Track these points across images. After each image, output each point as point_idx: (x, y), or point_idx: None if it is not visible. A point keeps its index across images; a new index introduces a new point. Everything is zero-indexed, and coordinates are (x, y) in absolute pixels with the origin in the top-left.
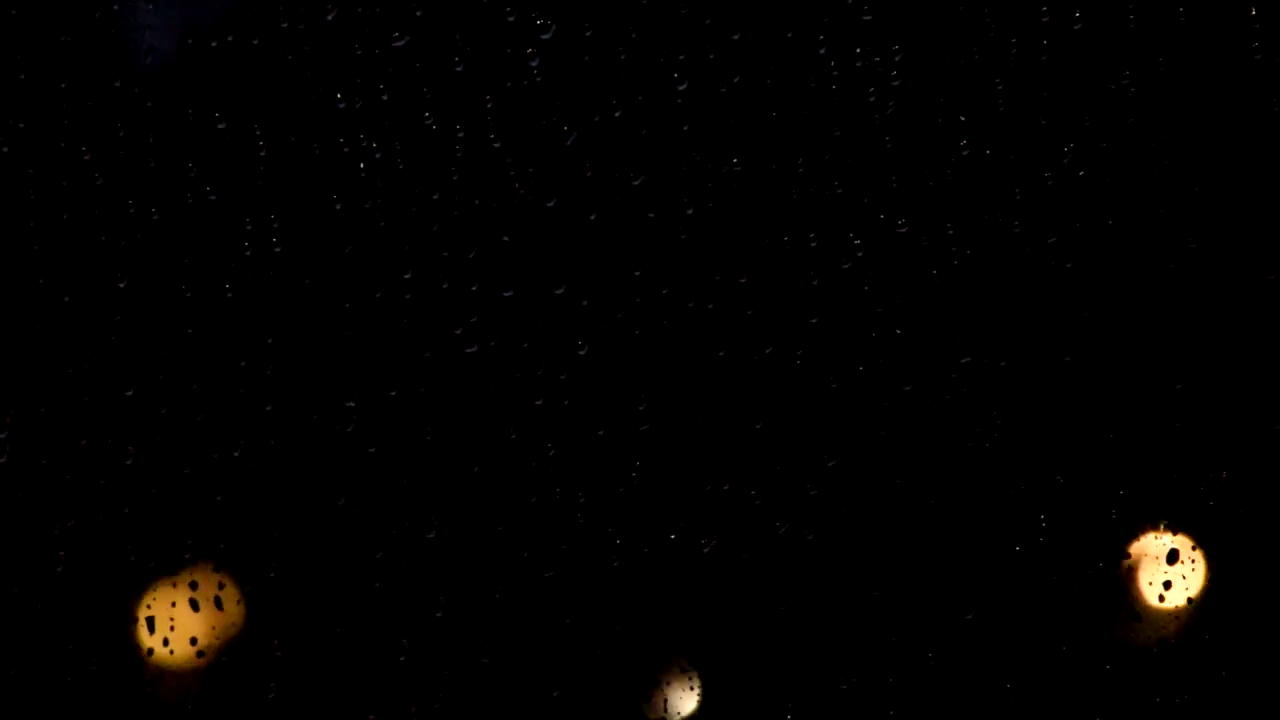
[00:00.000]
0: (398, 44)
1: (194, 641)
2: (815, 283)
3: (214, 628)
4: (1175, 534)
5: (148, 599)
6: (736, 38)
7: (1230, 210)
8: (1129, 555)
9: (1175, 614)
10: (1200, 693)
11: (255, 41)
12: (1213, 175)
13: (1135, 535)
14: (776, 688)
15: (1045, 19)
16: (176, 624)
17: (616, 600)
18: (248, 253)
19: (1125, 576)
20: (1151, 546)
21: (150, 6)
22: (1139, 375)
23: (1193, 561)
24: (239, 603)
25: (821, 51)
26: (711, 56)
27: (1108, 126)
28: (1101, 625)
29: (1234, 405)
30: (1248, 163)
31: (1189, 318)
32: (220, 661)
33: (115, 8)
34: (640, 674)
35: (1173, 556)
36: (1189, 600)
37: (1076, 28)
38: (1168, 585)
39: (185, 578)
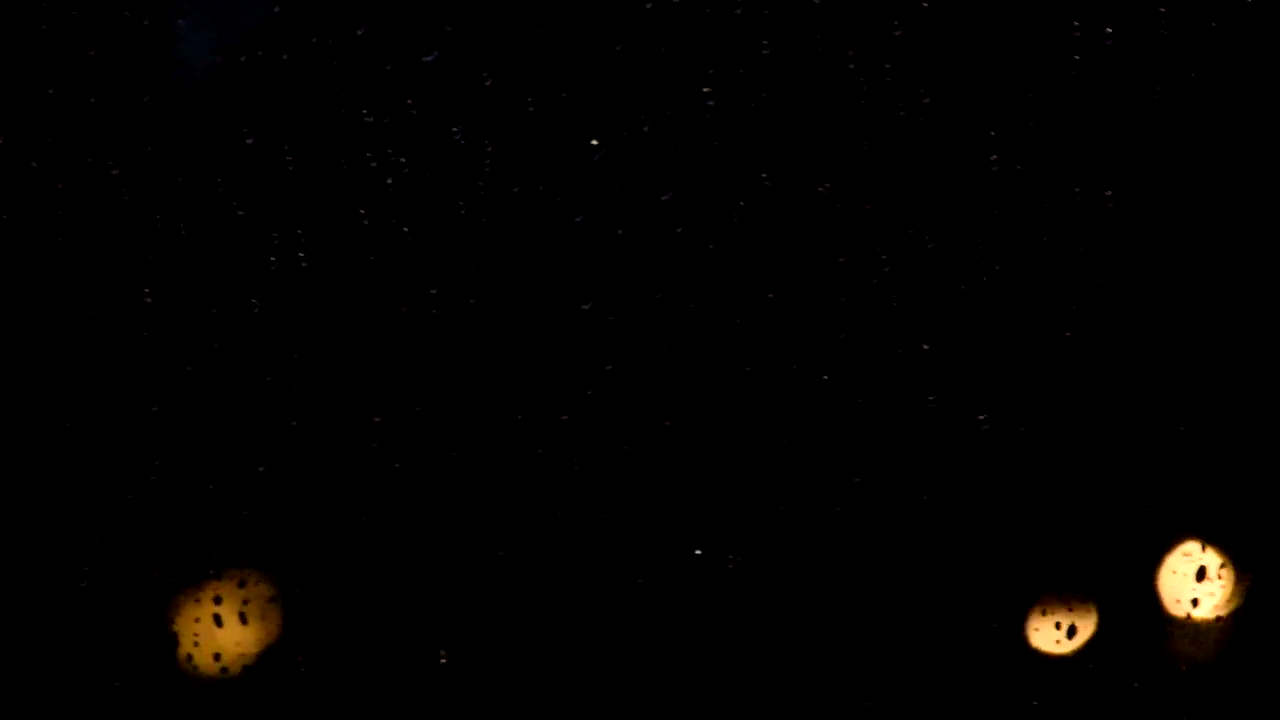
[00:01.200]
0: (427, 59)
1: (218, 657)
2: (843, 299)
3: (238, 642)
4: (1205, 549)
5: (170, 613)
6: (766, 52)
7: (1256, 220)
8: (1157, 569)
9: (1204, 629)
10: (1229, 711)
11: (285, 57)
12: (1264, 187)
13: (1164, 550)
14: (807, 696)
15: (1077, 33)
16: (201, 638)
17: (640, 614)
18: (273, 265)
19: (1153, 592)
20: (1179, 563)
21: (181, 21)
22: (1167, 387)
23: (1220, 578)
24: (263, 617)
25: (851, 67)
26: (741, 71)
27: (1143, 136)
28: (1129, 641)
29: (1262, 416)
30: None
31: (1219, 328)
32: (244, 676)
33: (146, 22)
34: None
35: (1200, 574)
36: (1218, 618)
37: (1108, 42)
38: (1195, 603)
39: (209, 591)
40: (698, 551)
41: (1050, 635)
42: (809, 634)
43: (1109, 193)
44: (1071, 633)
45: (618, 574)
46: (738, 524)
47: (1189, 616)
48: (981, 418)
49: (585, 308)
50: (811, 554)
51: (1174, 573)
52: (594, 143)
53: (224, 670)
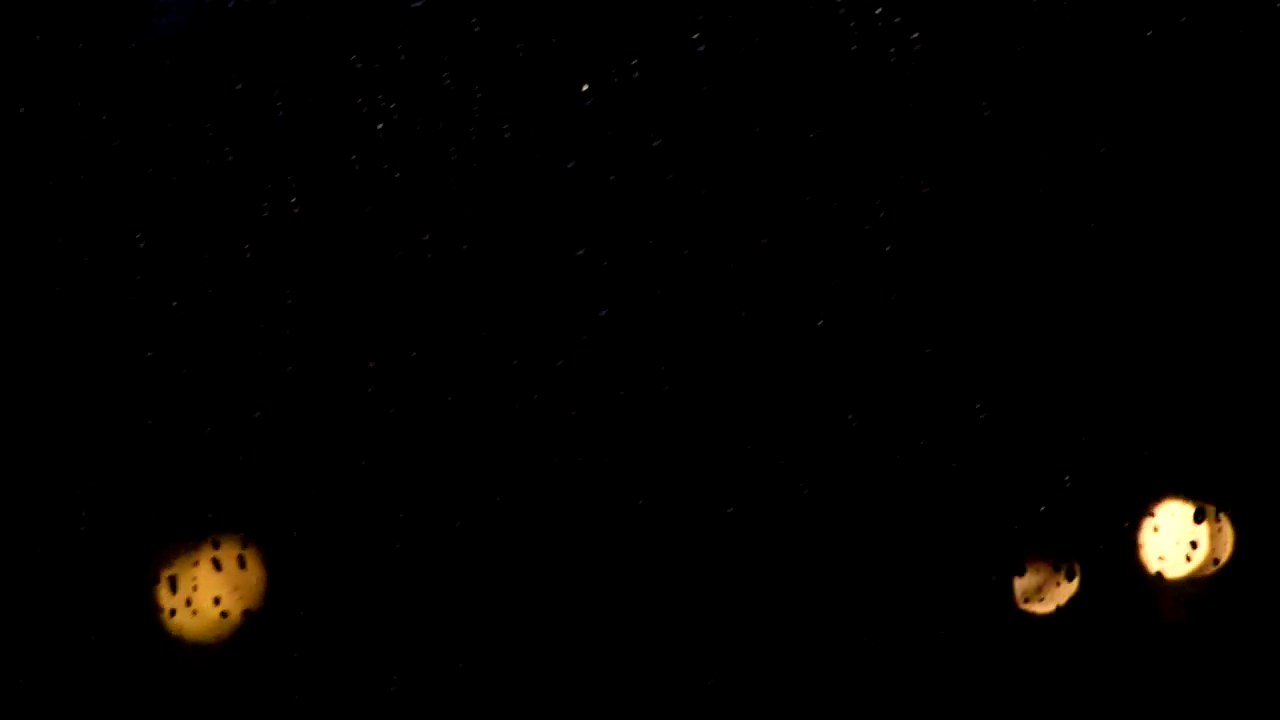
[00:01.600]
0: (415, 4)
1: (217, 601)
2: (836, 246)
3: (237, 588)
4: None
5: (170, 559)
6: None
7: (1246, 188)
8: (1152, 520)
9: (1201, 579)
10: (1224, 663)
11: (271, 2)
12: (1239, 169)
13: (1155, 502)
14: (781, 675)
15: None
16: (199, 584)
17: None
18: (266, 215)
19: (1146, 543)
20: (1174, 514)
21: None
22: (1158, 352)
23: (1218, 528)
24: (262, 563)
25: (841, 12)
26: (730, 17)
27: (1135, 121)
28: (1123, 593)
29: (1246, 384)
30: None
31: (1204, 293)
32: (243, 622)
33: None
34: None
35: (1200, 515)
36: (1215, 562)
37: (1108, 43)
38: (1194, 545)
39: (208, 538)
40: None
41: (1032, 592)
42: (800, 606)
43: (1113, 174)
44: (1044, 592)
45: (611, 551)
46: (725, 477)
47: (1188, 559)
48: (976, 404)
49: (579, 254)
50: (803, 510)
51: (1155, 531)
52: (584, 88)
53: (223, 615)
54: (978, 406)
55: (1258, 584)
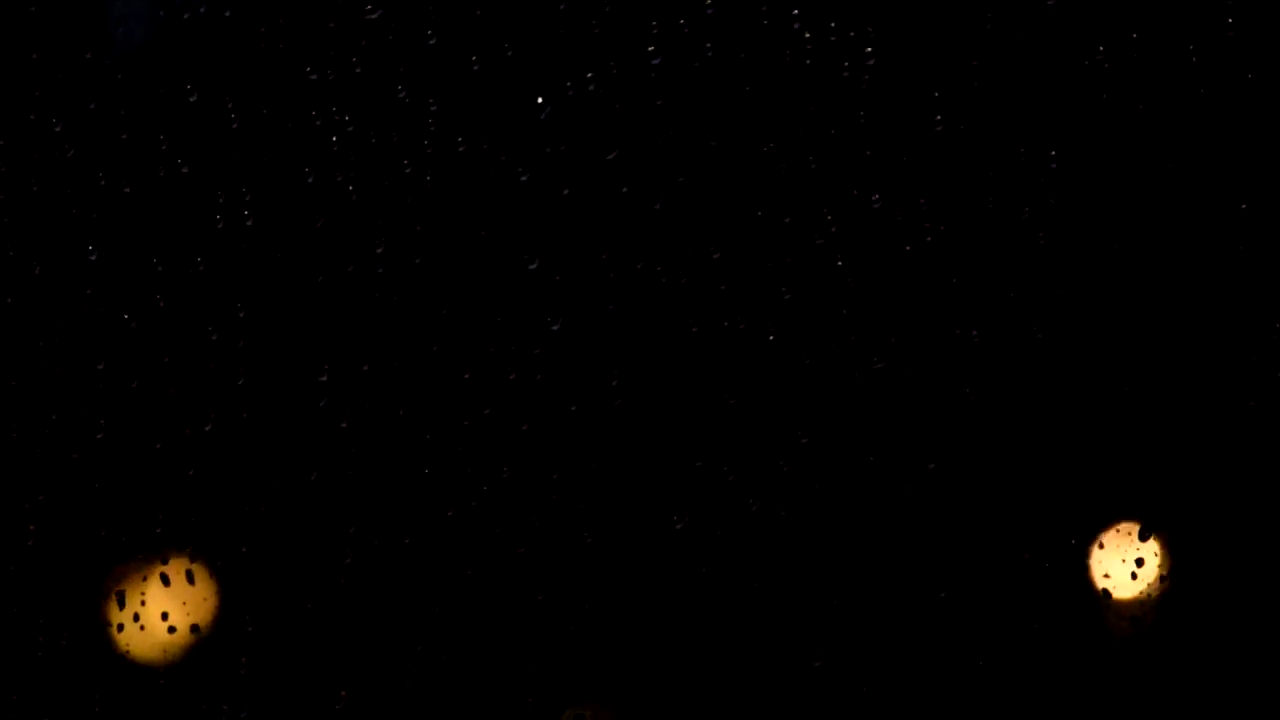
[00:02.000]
0: (371, 16)
1: (165, 616)
2: (789, 260)
3: (185, 603)
4: (1141, 531)
5: (118, 574)
6: (710, 10)
7: (1194, 206)
8: (1098, 543)
9: (1147, 598)
10: (1179, 679)
11: (227, 14)
12: (1199, 169)
13: (1100, 528)
14: (750, 677)
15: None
16: (147, 599)
17: (592, 582)
18: (220, 227)
19: (1092, 563)
20: (1117, 539)
21: None
22: (1105, 367)
23: (1157, 555)
24: (211, 578)
25: (796, 26)
26: (685, 29)
27: (1113, 117)
28: (1071, 612)
29: (1197, 399)
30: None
31: (1157, 311)
32: (192, 637)
33: None
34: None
35: (1144, 534)
36: (1161, 578)
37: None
38: (1140, 563)
39: (156, 553)
40: (652, 519)
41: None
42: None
43: (1072, 175)
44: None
45: (566, 538)
46: (682, 485)
47: (1134, 576)
48: (920, 381)
49: (531, 267)
50: (754, 520)
51: (1111, 546)
52: (539, 100)
53: (171, 630)
54: (935, 429)
55: (1201, 602)
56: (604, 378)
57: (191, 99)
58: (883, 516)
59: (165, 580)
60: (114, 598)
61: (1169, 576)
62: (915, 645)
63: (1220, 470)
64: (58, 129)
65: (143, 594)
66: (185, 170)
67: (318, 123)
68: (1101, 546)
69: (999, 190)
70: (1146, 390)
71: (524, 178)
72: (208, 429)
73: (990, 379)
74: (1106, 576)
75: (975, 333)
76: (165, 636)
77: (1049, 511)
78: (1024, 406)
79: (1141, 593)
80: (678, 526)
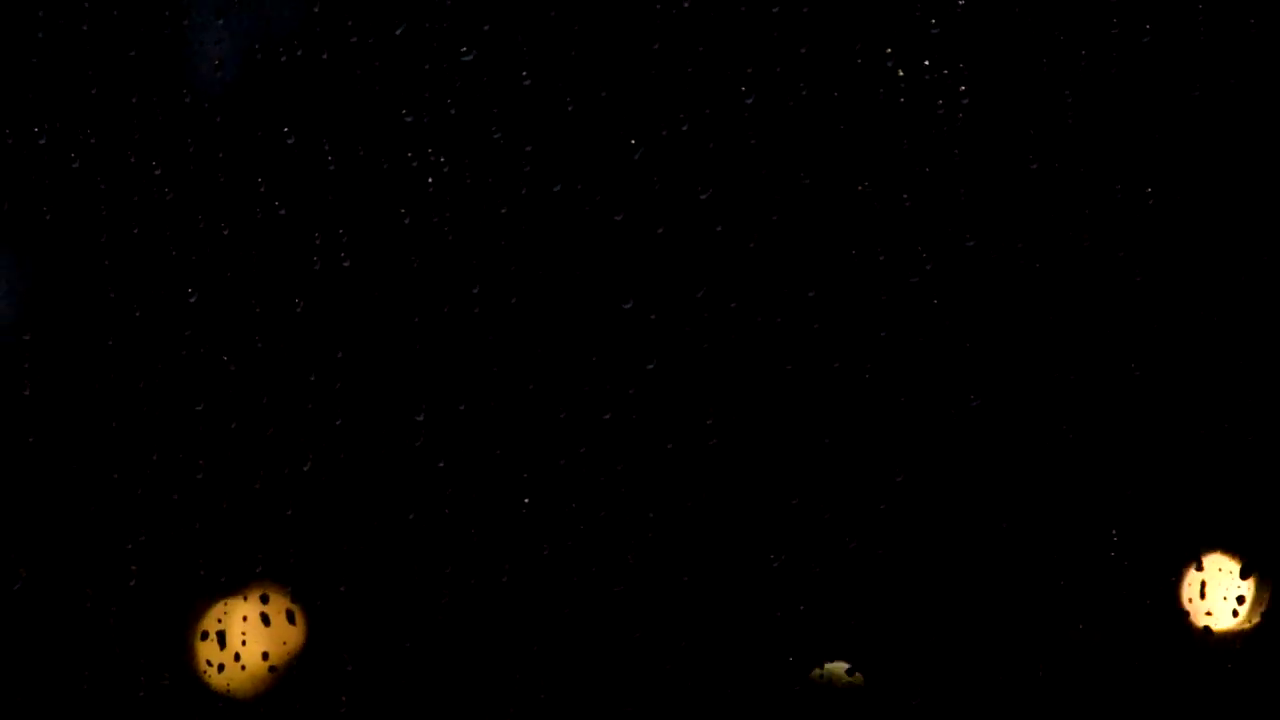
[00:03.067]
0: (466, 58)
1: (265, 656)
2: (884, 297)
3: (285, 642)
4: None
5: (217, 613)
6: (804, 51)
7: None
8: (1199, 574)
9: (1246, 632)
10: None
11: (324, 56)
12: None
13: (1198, 558)
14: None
15: (1116, 31)
16: (248, 638)
17: (681, 615)
18: (317, 267)
19: (1193, 596)
20: (1218, 567)
21: (220, 21)
22: (1198, 394)
23: (1257, 591)
24: (310, 617)
25: (889, 64)
26: (778, 70)
27: (1187, 146)
28: (1171, 645)
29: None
30: None
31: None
32: (291, 676)
33: (185, 23)
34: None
35: (1246, 572)
36: (1263, 615)
37: (1146, 40)
38: (1241, 600)
39: (256, 592)
40: (740, 550)
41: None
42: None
43: (1163, 204)
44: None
45: (659, 573)
46: (776, 520)
47: (1235, 613)
48: (1013, 414)
49: (626, 306)
50: (852, 553)
51: (1212, 578)
52: (633, 142)
53: (271, 669)
54: (1022, 461)
55: None
56: (698, 416)
57: (289, 141)
58: (988, 552)
59: (265, 620)
60: (215, 637)
61: (1270, 614)
62: (1019, 677)
63: None
64: (158, 172)
65: (243, 633)
66: (282, 212)
67: (413, 164)
68: (1204, 583)
69: (1103, 224)
70: (1249, 425)
71: (618, 218)
72: (306, 469)
73: (1094, 420)
74: (1209, 614)
75: (1073, 375)
76: (265, 674)
77: (1149, 546)
78: (1127, 443)
79: (1242, 628)
80: (774, 565)
